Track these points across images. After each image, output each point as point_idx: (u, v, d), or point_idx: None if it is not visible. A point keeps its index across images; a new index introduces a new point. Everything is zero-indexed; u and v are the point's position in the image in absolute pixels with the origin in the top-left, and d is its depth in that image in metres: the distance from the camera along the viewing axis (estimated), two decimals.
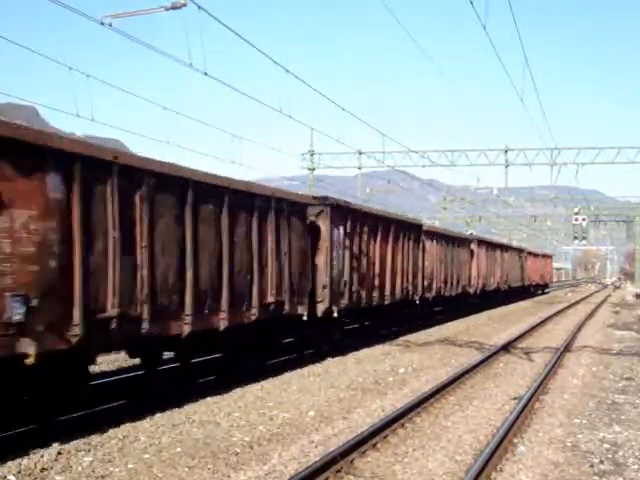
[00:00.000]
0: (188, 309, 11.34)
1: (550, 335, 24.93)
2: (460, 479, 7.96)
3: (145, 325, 10.33)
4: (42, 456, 8.31)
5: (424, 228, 26.69)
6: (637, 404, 12.69)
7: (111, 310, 9.65)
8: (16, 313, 8.09)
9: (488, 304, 38.16)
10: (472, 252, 34.88)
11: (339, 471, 8.05)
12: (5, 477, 7.68)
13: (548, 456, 9.08)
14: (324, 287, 16.92)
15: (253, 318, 13.43)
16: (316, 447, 9.15)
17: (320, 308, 16.87)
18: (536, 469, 8.49)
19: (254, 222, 13.41)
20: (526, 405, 11.57)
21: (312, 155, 37.69)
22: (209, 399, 11.90)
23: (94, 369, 12.53)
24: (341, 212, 17.85)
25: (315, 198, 17.13)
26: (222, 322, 12.35)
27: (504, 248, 44.38)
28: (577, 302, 50.15)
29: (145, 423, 10.13)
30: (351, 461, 8.45)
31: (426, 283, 26.34)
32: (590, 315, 35.42)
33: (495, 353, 18.39)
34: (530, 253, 56.16)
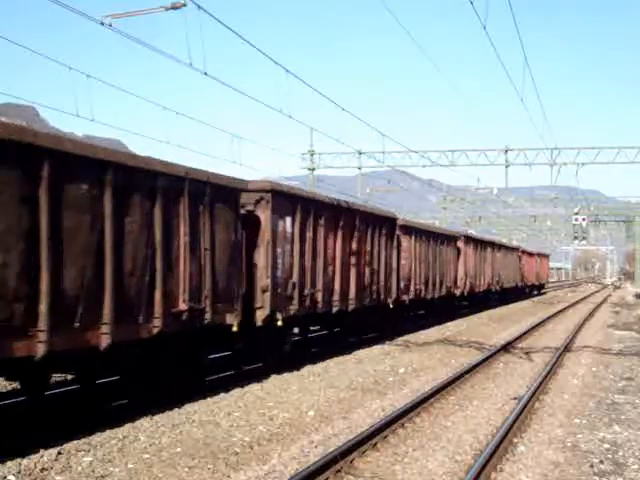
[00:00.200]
0: (43, 322, 8.45)
1: (550, 335, 24.94)
2: (460, 479, 7.97)
3: None
4: (42, 456, 8.30)
5: (400, 222, 23.83)
6: (637, 404, 12.70)
7: None
8: None
9: (483, 305, 36.90)
10: (459, 250, 32.28)
11: (339, 471, 8.05)
12: (5, 477, 7.67)
13: (548, 456, 9.08)
14: (264, 290, 14.05)
15: (155, 331, 10.53)
16: (316, 447, 9.15)
17: (260, 316, 14.03)
18: (536, 469, 8.49)
19: (157, 209, 10.54)
20: (526, 405, 11.57)
21: (312, 155, 37.67)
22: (209, 399, 11.89)
23: None
24: (287, 200, 15.05)
25: (251, 183, 13.88)
26: (103, 338, 9.45)
27: (496, 246, 41.72)
28: (577, 302, 50.17)
29: (145, 423, 10.12)
30: (351, 461, 8.45)
31: (402, 285, 23.46)
32: (590, 315, 35.42)
33: (495, 353, 18.39)
34: (525, 252, 54.40)
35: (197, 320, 11.65)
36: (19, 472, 7.82)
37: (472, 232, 54.75)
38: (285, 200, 14.94)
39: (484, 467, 8.03)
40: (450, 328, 26.32)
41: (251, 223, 13.86)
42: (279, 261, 14.63)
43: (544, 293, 65.30)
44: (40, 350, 8.47)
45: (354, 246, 18.52)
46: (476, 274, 35.38)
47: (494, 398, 12.87)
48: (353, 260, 18.46)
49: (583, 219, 51.80)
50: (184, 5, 13.42)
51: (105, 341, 9.49)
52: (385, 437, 9.62)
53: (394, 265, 22.36)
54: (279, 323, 14.45)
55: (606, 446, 9.68)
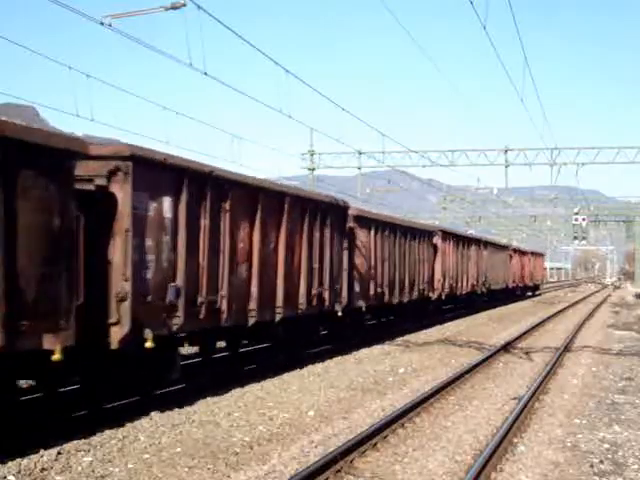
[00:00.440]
0: None
1: (550, 335, 24.95)
2: (460, 479, 7.97)
3: None
4: (42, 456, 8.31)
5: (354, 212, 19.50)
6: (637, 404, 12.70)
7: None
8: None
9: (472, 308, 34.52)
10: (435, 247, 28.59)
11: (339, 471, 8.05)
12: (5, 477, 7.68)
13: (548, 456, 9.09)
14: (122, 299, 10.01)
15: None
16: (316, 447, 9.16)
17: (115, 335, 9.99)
18: (536, 469, 8.49)
19: None
20: (526, 405, 11.57)
21: (312, 155, 37.68)
22: (209, 399, 11.89)
23: None
24: (164, 173, 11.00)
25: (97, 146, 10.16)
26: None
27: (482, 244, 37.64)
28: (577, 302, 50.16)
29: (145, 423, 10.13)
30: (351, 461, 8.45)
31: (357, 288, 19.61)
32: (590, 315, 35.43)
33: (495, 353, 18.40)
34: (516, 250, 50.84)
35: None
36: (19, 472, 7.83)
37: (472, 232, 54.79)
38: (159, 173, 10.88)
39: (484, 467, 8.03)
40: (450, 328, 26.36)
41: (102, 204, 10.04)
42: (149, 257, 10.68)
43: (539, 294, 61.80)
44: None
45: (282, 239, 14.67)
46: (457, 275, 31.67)
47: (494, 398, 12.87)
48: (281, 257, 14.64)
49: (583, 219, 51.88)
50: (184, 5, 13.43)
51: None
52: (385, 437, 9.62)
53: (345, 264, 18.48)
54: (148, 344, 10.43)
55: (606, 446, 9.68)
